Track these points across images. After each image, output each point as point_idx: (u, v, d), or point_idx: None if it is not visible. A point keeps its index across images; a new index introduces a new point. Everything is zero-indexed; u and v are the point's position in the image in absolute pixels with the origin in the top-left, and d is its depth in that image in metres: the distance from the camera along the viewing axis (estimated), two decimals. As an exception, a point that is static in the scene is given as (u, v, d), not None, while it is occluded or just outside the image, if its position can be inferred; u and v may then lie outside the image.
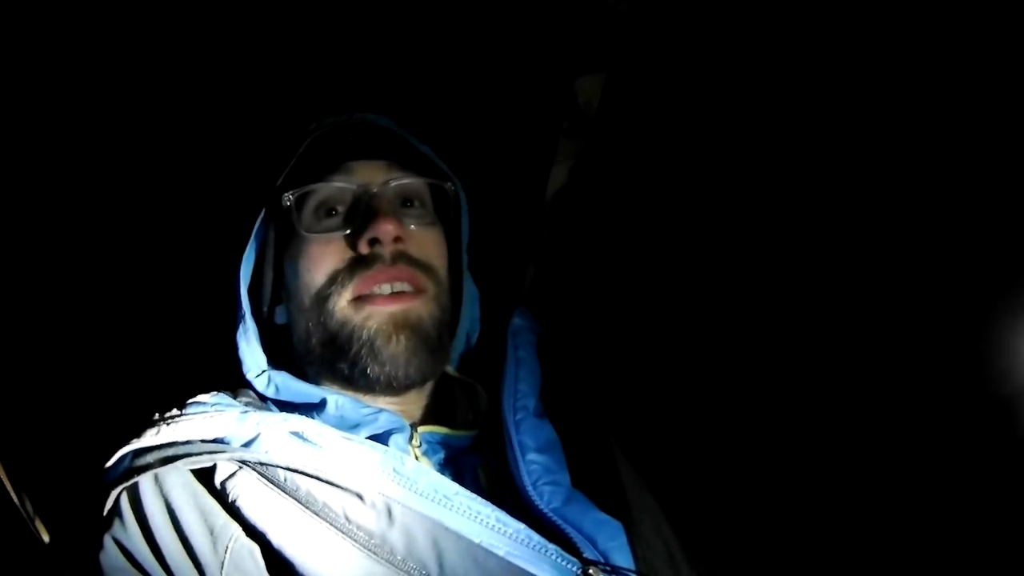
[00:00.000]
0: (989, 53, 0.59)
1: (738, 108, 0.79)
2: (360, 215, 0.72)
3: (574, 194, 0.93)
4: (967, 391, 0.60)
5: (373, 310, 0.69)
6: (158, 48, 0.90)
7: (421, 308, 0.71)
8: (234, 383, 0.73)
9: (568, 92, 0.87)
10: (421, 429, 0.70)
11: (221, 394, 0.69)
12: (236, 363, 0.73)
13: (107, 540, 0.59)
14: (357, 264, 0.71)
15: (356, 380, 0.70)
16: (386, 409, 0.70)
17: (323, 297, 0.71)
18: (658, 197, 0.88)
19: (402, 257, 0.71)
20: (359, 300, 0.70)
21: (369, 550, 0.54)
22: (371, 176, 0.74)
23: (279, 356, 0.77)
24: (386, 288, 0.70)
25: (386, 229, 0.70)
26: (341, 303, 0.70)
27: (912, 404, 0.64)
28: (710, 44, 0.79)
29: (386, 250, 0.71)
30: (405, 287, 0.71)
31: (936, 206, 0.63)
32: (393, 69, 0.95)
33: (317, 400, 0.70)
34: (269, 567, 0.55)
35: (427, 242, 0.75)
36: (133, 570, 0.58)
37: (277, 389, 0.72)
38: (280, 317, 0.78)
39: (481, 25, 0.91)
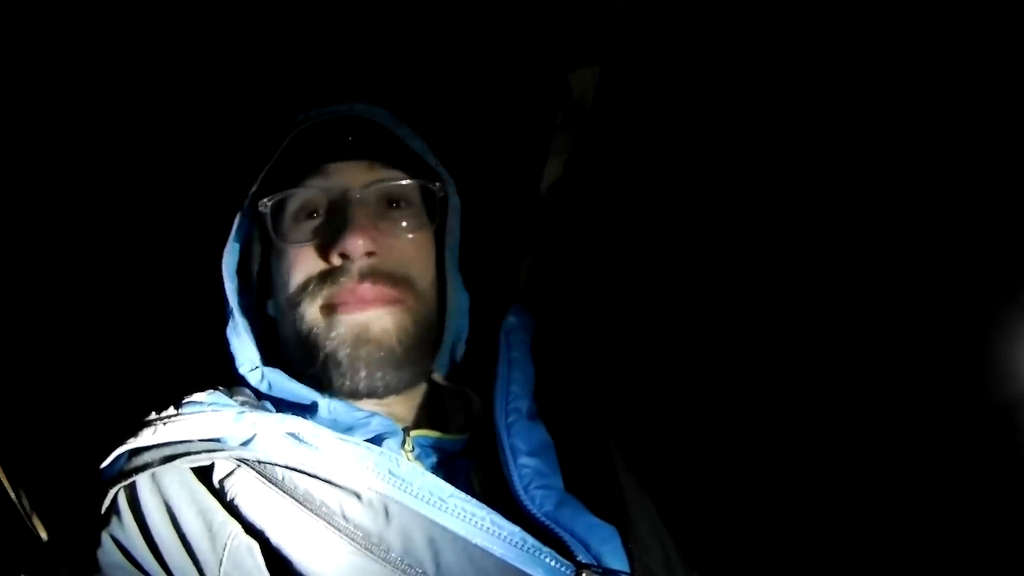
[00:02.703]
0: (989, 53, 0.59)
1: (734, 101, 0.78)
2: (336, 223, 0.70)
3: (569, 188, 0.93)
4: (968, 399, 0.60)
5: (340, 319, 0.68)
6: (140, 37, 0.88)
7: (388, 321, 0.69)
8: (229, 380, 0.73)
9: (563, 85, 0.86)
10: (413, 433, 0.70)
11: (217, 392, 0.69)
12: (229, 359, 0.73)
13: (105, 538, 0.59)
14: (327, 276, 0.70)
15: (330, 384, 0.70)
16: (378, 413, 0.70)
17: (295, 303, 0.70)
18: (654, 191, 0.88)
19: (372, 273, 0.69)
20: (328, 308, 0.69)
21: (366, 548, 0.55)
22: (351, 178, 0.72)
23: (274, 348, 0.76)
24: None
25: (355, 244, 0.67)
26: (312, 309, 0.70)
27: (913, 411, 0.64)
28: (705, 37, 0.79)
29: (355, 266, 0.69)
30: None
31: (938, 211, 0.63)
32: (386, 62, 0.94)
33: (308, 402, 0.70)
34: (267, 565, 0.56)
35: (406, 250, 0.73)
36: (131, 568, 0.58)
37: (270, 386, 0.72)
38: (272, 310, 0.77)
39: (475, 18, 0.89)
